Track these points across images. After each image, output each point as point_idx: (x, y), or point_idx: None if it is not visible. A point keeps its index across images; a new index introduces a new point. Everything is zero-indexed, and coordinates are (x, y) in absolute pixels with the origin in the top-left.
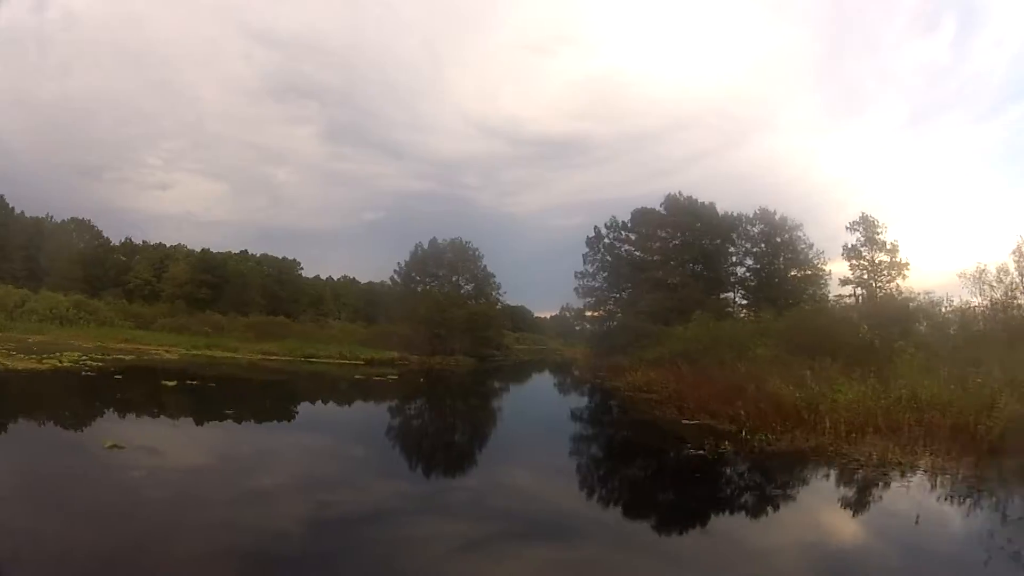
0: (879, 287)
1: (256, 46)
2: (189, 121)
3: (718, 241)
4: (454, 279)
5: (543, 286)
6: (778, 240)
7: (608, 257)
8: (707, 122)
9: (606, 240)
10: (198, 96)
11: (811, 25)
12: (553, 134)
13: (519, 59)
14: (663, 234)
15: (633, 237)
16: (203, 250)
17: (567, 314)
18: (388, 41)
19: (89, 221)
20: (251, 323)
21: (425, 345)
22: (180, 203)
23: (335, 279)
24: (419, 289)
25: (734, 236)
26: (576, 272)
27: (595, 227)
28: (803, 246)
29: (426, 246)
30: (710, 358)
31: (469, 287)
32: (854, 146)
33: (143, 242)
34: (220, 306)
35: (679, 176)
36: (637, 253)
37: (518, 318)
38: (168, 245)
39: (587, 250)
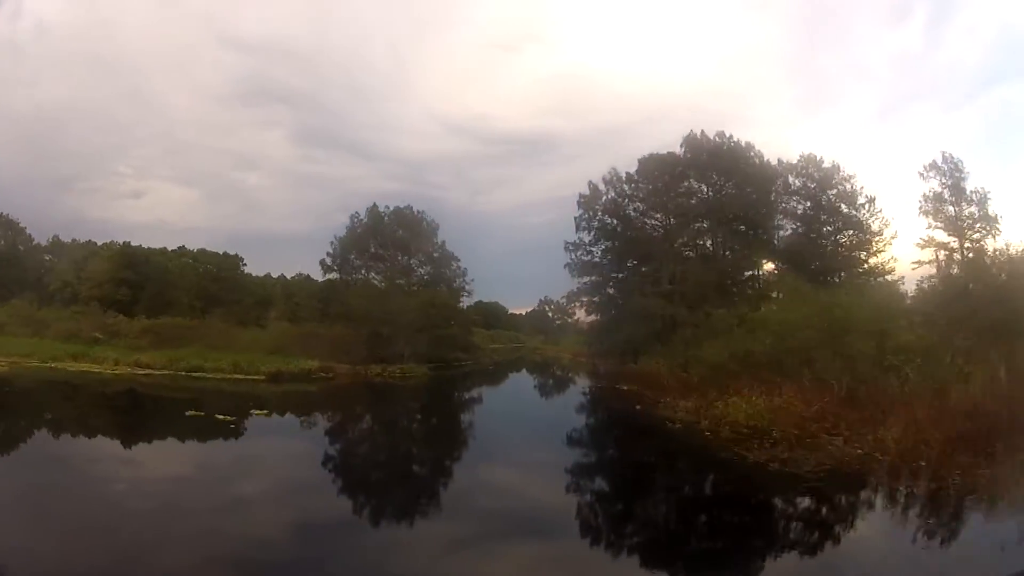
0: (968, 248)
1: (226, 52)
2: (160, 128)
3: (753, 196)
4: (402, 259)
5: (517, 284)
6: (828, 195)
7: (610, 220)
8: (678, 116)
9: (607, 197)
10: (169, 103)
11: (781, 19)
12: (522, 132)
13: (485, 58)
14: (687, 186)
15: (643, 193)
16: (124, 244)
17: (546, 308)
18: (356, 43)
19: (7, 216)
20: (149, 326)
21: (360, 349)
22: (153, 211)
23: (288, 277)
24: (359, 276)
25: (775, 189)
26: (566, 243)
27: (589, 183)
28: (864, 200)
29: (364, 217)
30: (830, 355)
31: (424, 271)
32: (827, 138)
33: (73, 240)
34: (139, 308)
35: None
36: (653, 214)
37: (491, 314)
38: (100, 243)
39: (580, 212)
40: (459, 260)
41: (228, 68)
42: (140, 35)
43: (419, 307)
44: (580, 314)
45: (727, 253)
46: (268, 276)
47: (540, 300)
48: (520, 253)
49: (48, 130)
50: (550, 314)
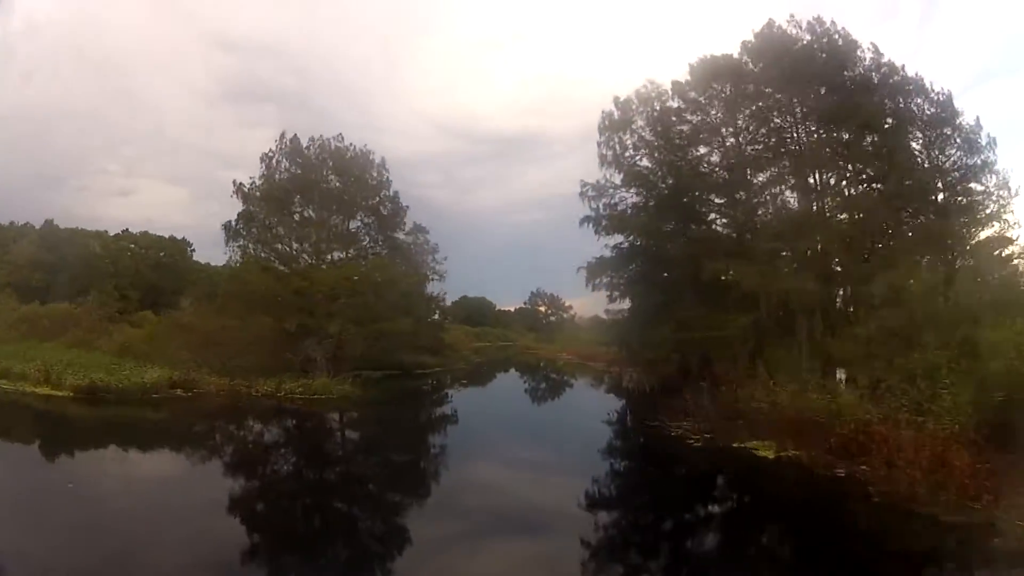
0: None
1: (214, 51)
2: (149, 127)
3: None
4: (337, 221)
5: (505, 282)
6: (944, 133)
7: (657, 142)
8: None
9: (647, 115)
10: (157, 102)
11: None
12: (509, 130)
13: (473, 57)
14: (768, 103)
15: (699, 111)
16: (47, 221)
17: (538, 302)
18: (343, 43)
19: None
20: (27, 314)
21: (260, 350)
22: (141, 209)
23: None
24: (280, 247)
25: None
26: (583, 184)
27: (615, 98)
28: (988, 141)
29: (282, 158)
30: None
31: (369, 238)
32: None
33: (11, 223)
34: (55, 294)
35: None
36: (715, 140)
37: (477, 310)
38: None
39: (602, 138)
40: (427, 232)
41: (216, 67)
42: (128, 34)
43: (348, 283)
44: (577, 307)
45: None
46: (227, 265)
47: (531, 293)
48: (507, 251)
49: (37, 129)
50: (543, 309)
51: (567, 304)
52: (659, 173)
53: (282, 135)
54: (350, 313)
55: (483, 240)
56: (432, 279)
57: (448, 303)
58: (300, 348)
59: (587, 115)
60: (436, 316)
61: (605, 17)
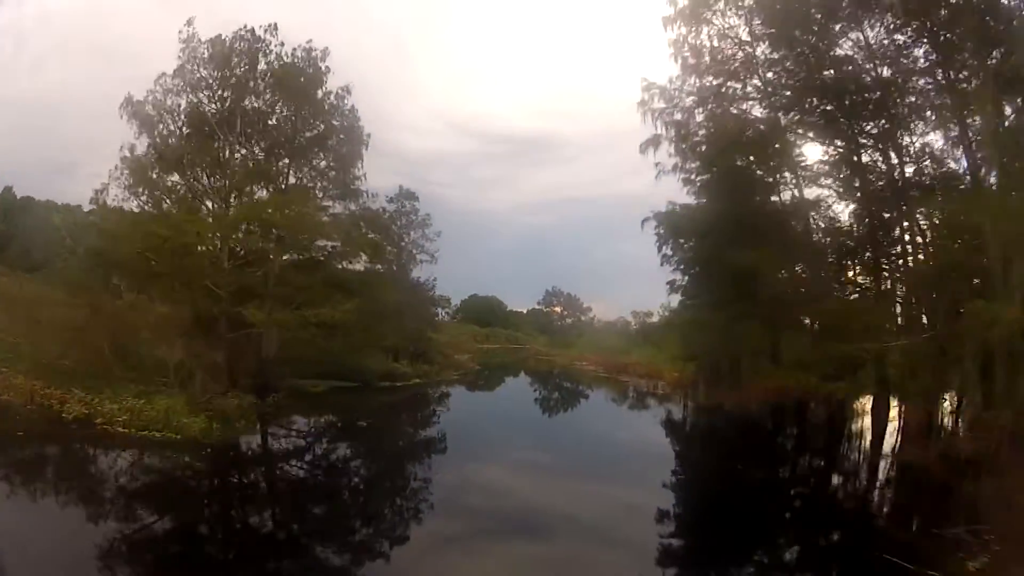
0: None
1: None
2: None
3: None
4: (273, 165)
5: (516, 283)
6: None
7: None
8: None
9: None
10: None
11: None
12: (522, 132)
13: (488, 56)
14: None
15: None
16: (6, 188)
17: (554, 302)
18: (356, 38)
19: None
20: None
21: (102, 345)
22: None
23: None
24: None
25: None
26: (645, 88)
27: None
28: None
29: (196, 68)
30: None
31: (324, 189)
32: None
33: None
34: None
35: (650, 174)
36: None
37: (487, 310)
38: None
39: (673, 25)
40: (416, 199)
41: None
42: (140, 25)
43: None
44: (597, 309)
45: None
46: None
47: (546, 291)
48: (520, 253)
49: (50, 116)
50: (558, 310)
51: (586, 305)
52: (764, 84)
53: (189, 24)
54: (228, 283)
55: (494, 240)
56: (420, 260)
57: (448, 297)
58: (169, 341)
59: (600, 120)
60: (434, 309)
61: (621, 20)
